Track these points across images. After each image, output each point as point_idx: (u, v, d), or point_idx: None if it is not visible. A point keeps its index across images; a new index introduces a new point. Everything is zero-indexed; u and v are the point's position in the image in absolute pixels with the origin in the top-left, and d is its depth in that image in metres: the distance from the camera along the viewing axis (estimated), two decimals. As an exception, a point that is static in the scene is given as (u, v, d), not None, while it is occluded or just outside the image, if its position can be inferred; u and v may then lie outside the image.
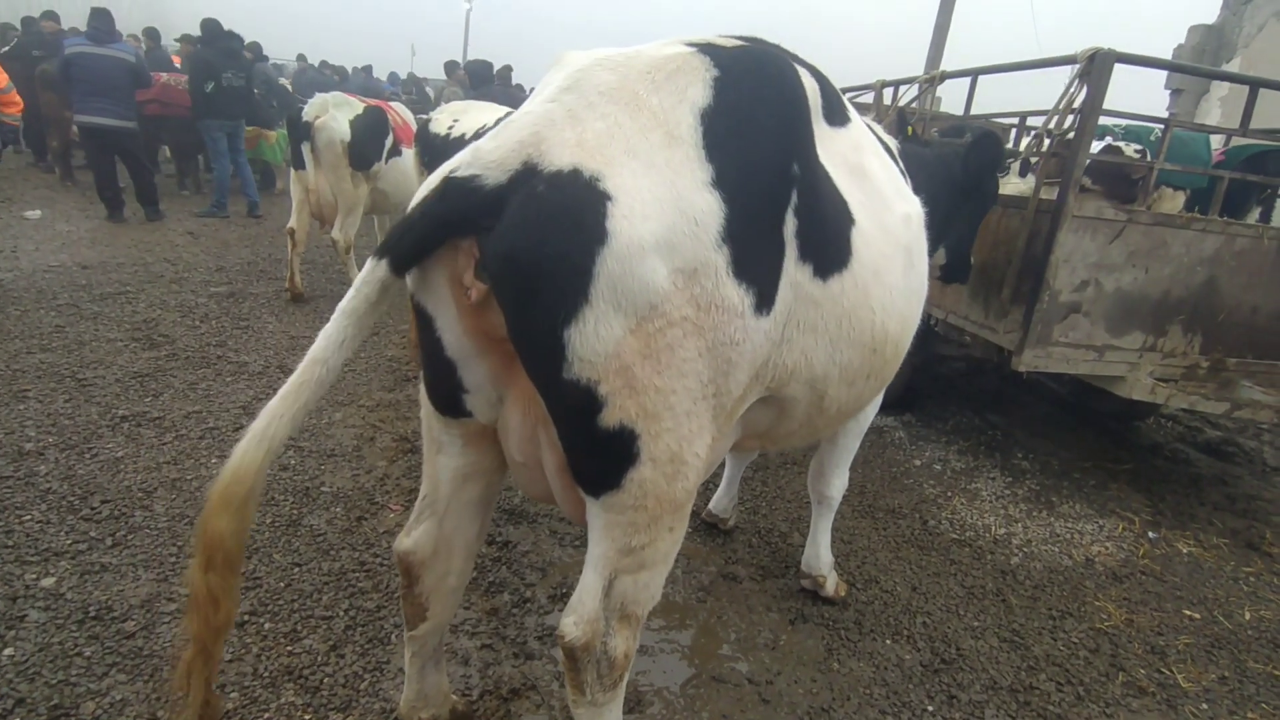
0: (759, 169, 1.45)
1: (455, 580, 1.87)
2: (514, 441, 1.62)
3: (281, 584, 2.69)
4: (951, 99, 6.11)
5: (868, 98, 5.29)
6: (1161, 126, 3.57)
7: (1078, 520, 3.98)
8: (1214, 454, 5.25)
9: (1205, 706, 2.68)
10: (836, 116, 1.86)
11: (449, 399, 1.61)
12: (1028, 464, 4.62)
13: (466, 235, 1.35)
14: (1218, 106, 10.04)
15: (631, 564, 1.53)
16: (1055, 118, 3.40)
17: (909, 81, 4.62)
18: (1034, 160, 3.74)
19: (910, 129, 3.27)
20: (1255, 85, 3.39)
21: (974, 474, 4.41)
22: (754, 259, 1.42)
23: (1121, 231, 3.37)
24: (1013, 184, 5.41)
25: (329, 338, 1.43)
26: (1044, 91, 3.87)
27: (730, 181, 1.39)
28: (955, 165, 3.17)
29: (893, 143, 2.65)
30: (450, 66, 10.50)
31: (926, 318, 4.54)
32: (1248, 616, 3.26)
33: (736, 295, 1.39)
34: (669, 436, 1.41)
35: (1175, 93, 10.70)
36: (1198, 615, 3.24)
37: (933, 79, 4.32)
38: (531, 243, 1.27)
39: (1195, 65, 3.18)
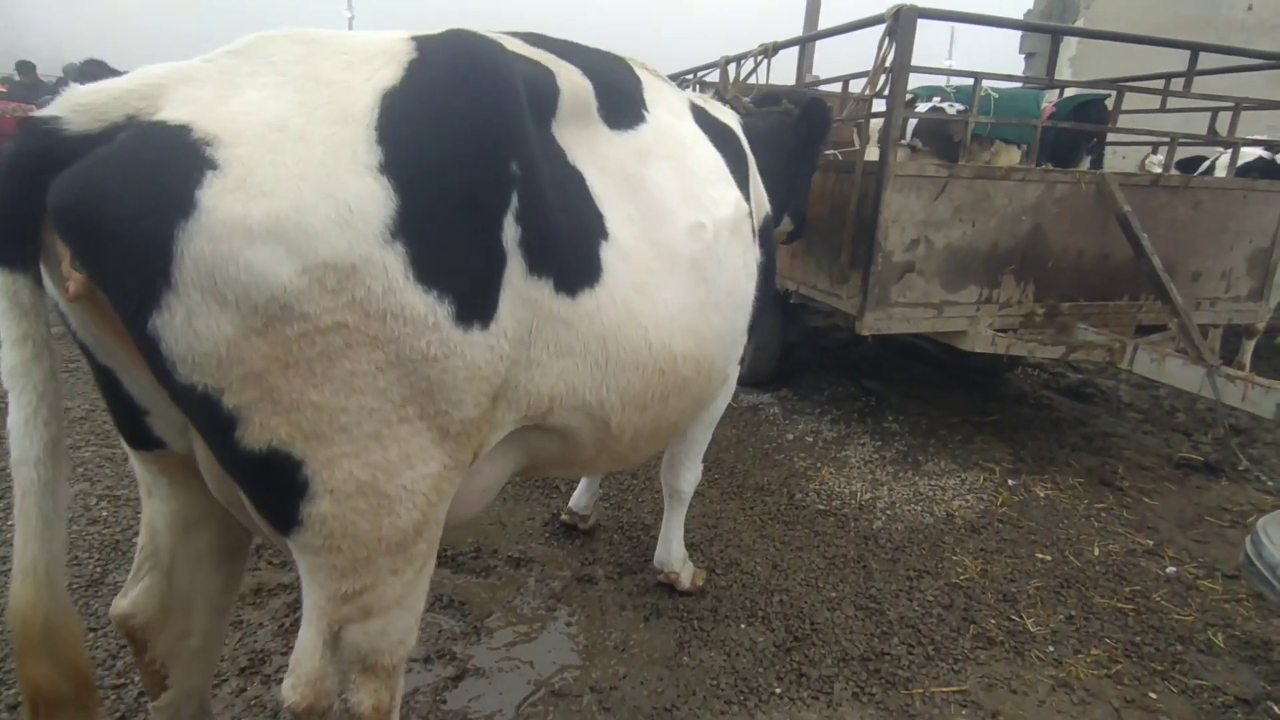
0: (454, 162, 1.28)
1: (200, 641, 1.65)
2: (206, 474, 1.41)
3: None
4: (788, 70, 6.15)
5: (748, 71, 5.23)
6: (990, 84, 3.63)
7: (941, 476, 4.03)
8: (1074, 396, 5.46)
9: (1051, 649, 2.71)
10: (622, 118, 1.75)
11: (132, 425, 1.41)
12: (897, 426, 4.67)
13: (36, 196, 1.08)
14: (1068, 66, 10.53)
15: (354, 612, 1.37)
16: (871, 78, 3.39)
17: (747, 56, 4.58)
18: (858, 123, 3.74)
19: (744, 105, 3.14)
20: (1055, 33, 3.46)
21: (844, 442, 4.42)
22: (450, 263, 1.26)
23: (944, 187, 3.39)
24: (872, 152, 5.49)
25: (15, 425, 1.17)
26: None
27: (407, 170, 1.21)
28: (787, 135, 3.12)
29: (734, 120, 2.55)
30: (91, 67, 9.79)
31: (783, 293, 4.51)
32: (1096, 552, 3.35)
33: (423, 303, 1.22)
34: (350, 464, 1.24)
35: (1029, 56, 11.19)
36: (1049, 557, 3.30)
37: (766, 50, 4.28)
38: (94, 198, 1.04)
39: (996, 16, 3.25)
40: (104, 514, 3.26)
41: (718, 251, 1.87)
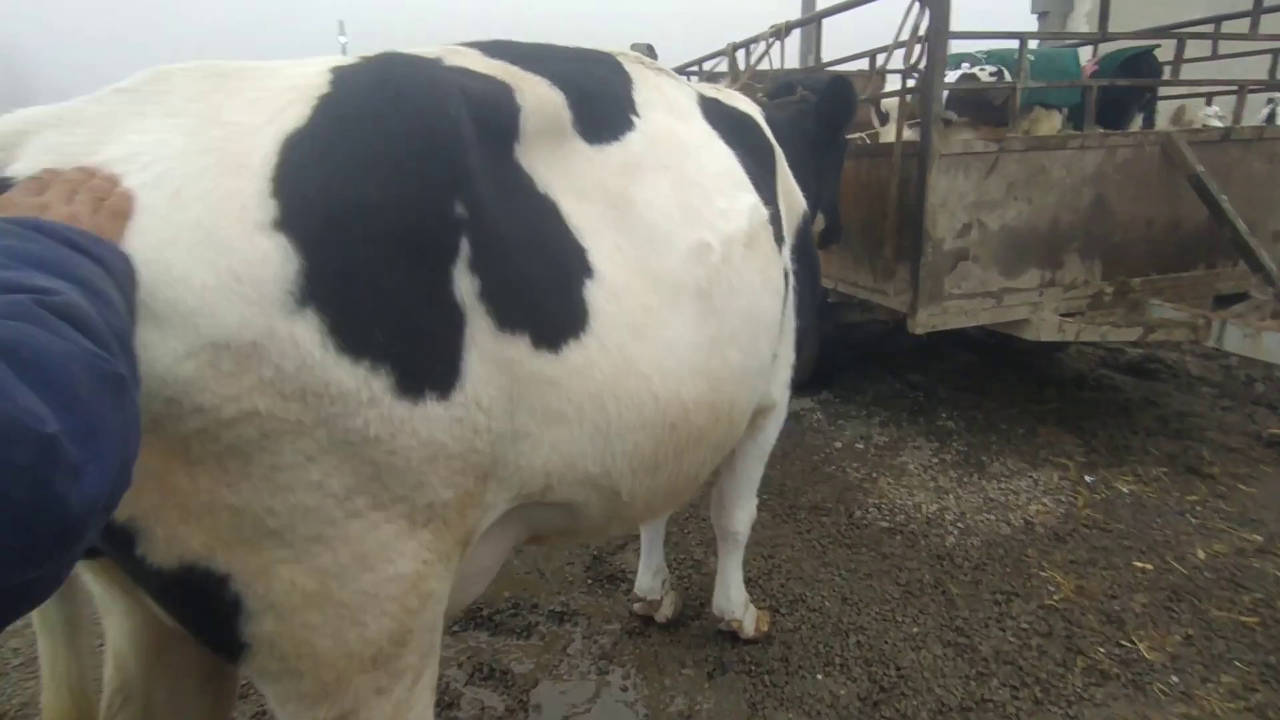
0: (375, 211, 1.05)
1: None
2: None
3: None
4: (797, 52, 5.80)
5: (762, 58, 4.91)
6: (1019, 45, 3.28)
7: (1010, 478, 3.69)
8: (1138, 374, 5.07)
9: (1175, 679, 2.37)
10: (605, 129, 1.51)
11: None
12: (953, 423, 4.33)
13: None
14: (1085, 23, 10.08)
15: None
16: (903, 50, 3.06)
17: (757, 40, 4.26)
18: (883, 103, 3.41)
19: (760, 96, 2.80)
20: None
21: (899, 447, 4.09)
22: (383, 328, 1.05)
23: (995, 164, 3.05)
24: (893, 131, 5.14)
25: None
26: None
27: (313, 224, 1.00)
28: (809, 122, 2.76)
29: (755, 112, 2.23)
30: None
31: (823, 291, 4.18)
32: (1201, 555, 2.99)
33: (351, 377, 1.02)
34: (290, 572, 1.03)
35: (1042, 15, 10.72)
36: (1150, 565, 2.95)
37: (778, 31, 3.96)
38: None
39: None
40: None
41: (728, 274, 1.62)
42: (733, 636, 2.63)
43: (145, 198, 0.94)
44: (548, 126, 1.39)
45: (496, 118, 1.29)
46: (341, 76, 1.15)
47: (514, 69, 1.40)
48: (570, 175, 1.41)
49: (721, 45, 4.46)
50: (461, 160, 1.16)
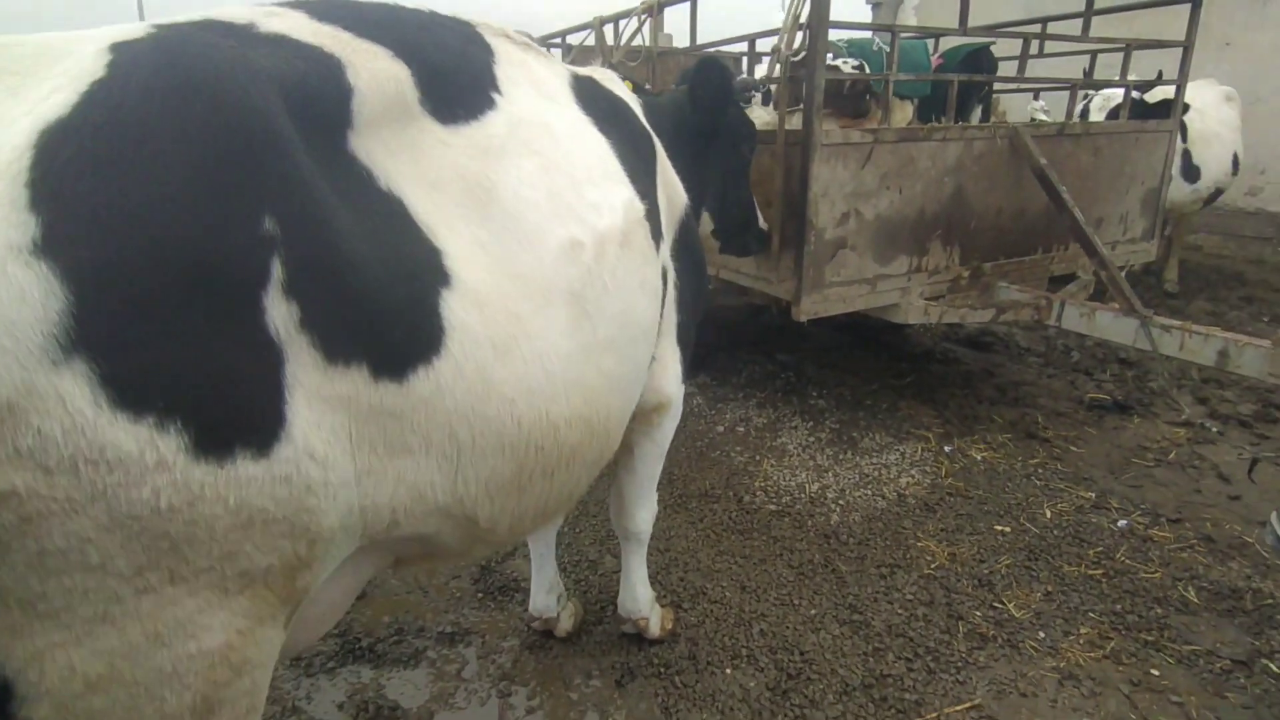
0: (161, 232, 0.86)
1: None
2: None
3: None
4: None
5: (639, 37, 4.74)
6: (883, 36, 3.39)
7: (881, 452, 3.88)
8: (976, 347, 5.53)
9: (1043, 635, 2.58)
10: (460, 107, 1.31)
11: None
12: (823, 402, 4.49)
13: None
14: (913, 15, 10.81)
15: None
16: (785, 37, 3.05)
17: (627, 15, 4.12)
18: (772, 88, 3.42)
19: (629, 83, 2.47)
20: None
21: (777, 427, 4.18)
22: (172, 376, 0.87)
23: (870, 154, 3.14)
24: (758, 115, 5.21)
25: None
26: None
27: (84, 249, 0.80)
28: (686, 109, 2.60)
29: (630, 98, 2.08)
30: None
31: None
32: (1049, 515, 3.29)
33: (132, 439, 0.84)
34: (70, 655, 0.88)
35: (875, 6, 11.39)
36: (1008, 528, 3.21)
37: (650, 8, 3.84)
38: None
39: None
40: None
41: (603, 274, 1.46)
42: (637, 639, 2.56)
43: None
44: (391, 107, 1.19)
45: (322, 103, 1.09)
46: (121, 56, 0.93)
47: (347, 37, 1.19)
48: (419, 162, 1.22)
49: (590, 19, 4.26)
50: (270, 163, 0.97)
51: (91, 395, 0.81)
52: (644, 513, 2.44)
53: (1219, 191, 6.11)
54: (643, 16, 3.85)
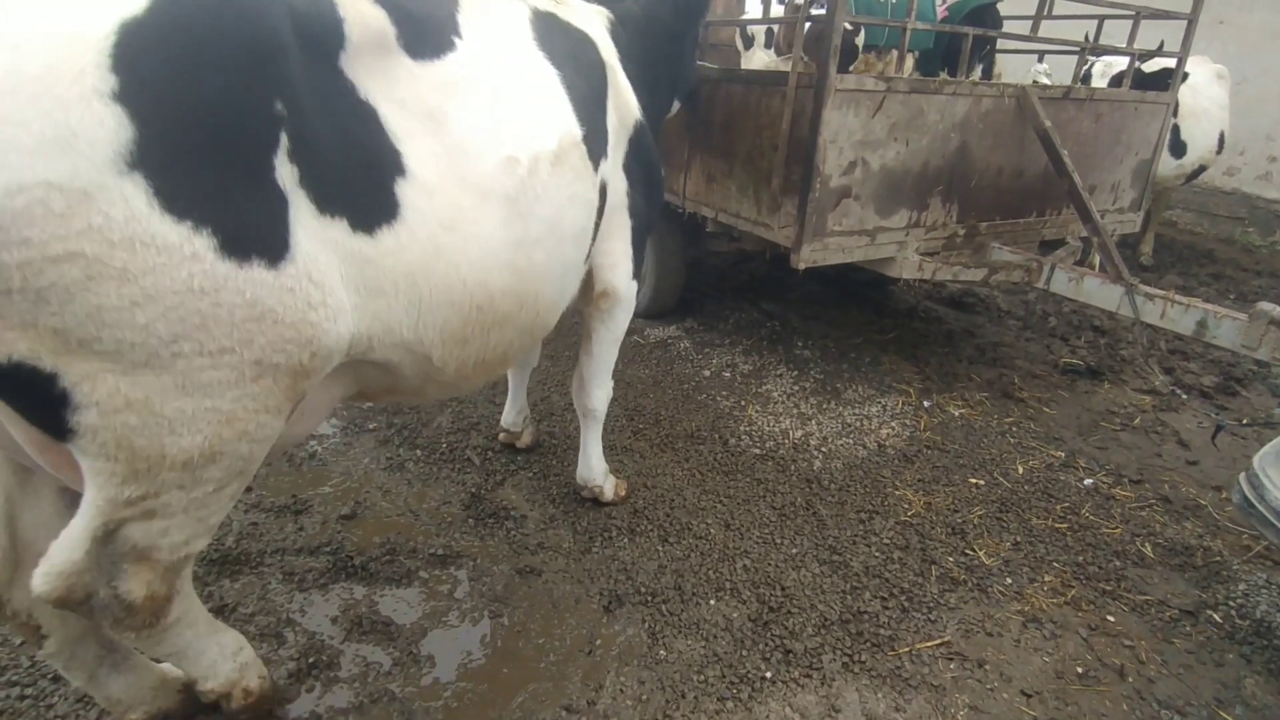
0: (202, 101, 1.23)
1: None
2: None
3: None
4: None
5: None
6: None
7: (863, 404, 3.97)
8: (959, 307, 5.63)
9: (1010, 581, 2.71)
10: (426, 47, 1.68)
11: None
12: (808, 352, 4.56)
13: None
14: None
15: (135, 514, 1.39)
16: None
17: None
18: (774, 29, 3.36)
19: None
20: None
21: (762, 375, 4.24)
22: (206, 198, 1.23)
23: (882, 103, 3.11)
24: (759, 58, 5.10)
25: None
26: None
27: (147, 103, 1.16)
28: (666, 12, 2.78)
29: (598, 24, 2.41)
30: None
31: (688, 217, 4.14)
32: (1020, 471, 3.42)
33: (176, 234, 1.20)
34: (116, 381, 1.23)
35: None
36: (982, 481, 3.33)
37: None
38: None
39: None
40: None
41: (535, 186, 1.84)
42: (625, 570, 2.63)
43: None
44: (372, 40, 1.54)
45: (321, 30, 1.45)
46: None
47: None
48: (392, 86, 1.58)
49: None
50: (280, 65, 1.32)
51: (145, 199, 1.16)
52: (600, 392, 2.80)
53: (1202, 168, 6.21)
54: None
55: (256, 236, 1.29)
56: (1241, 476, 2.02)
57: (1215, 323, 2.95)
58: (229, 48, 1.26)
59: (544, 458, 3.30)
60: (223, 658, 1.78)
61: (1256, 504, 1.91)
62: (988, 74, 4.80)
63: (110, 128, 1.12)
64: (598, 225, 2.24)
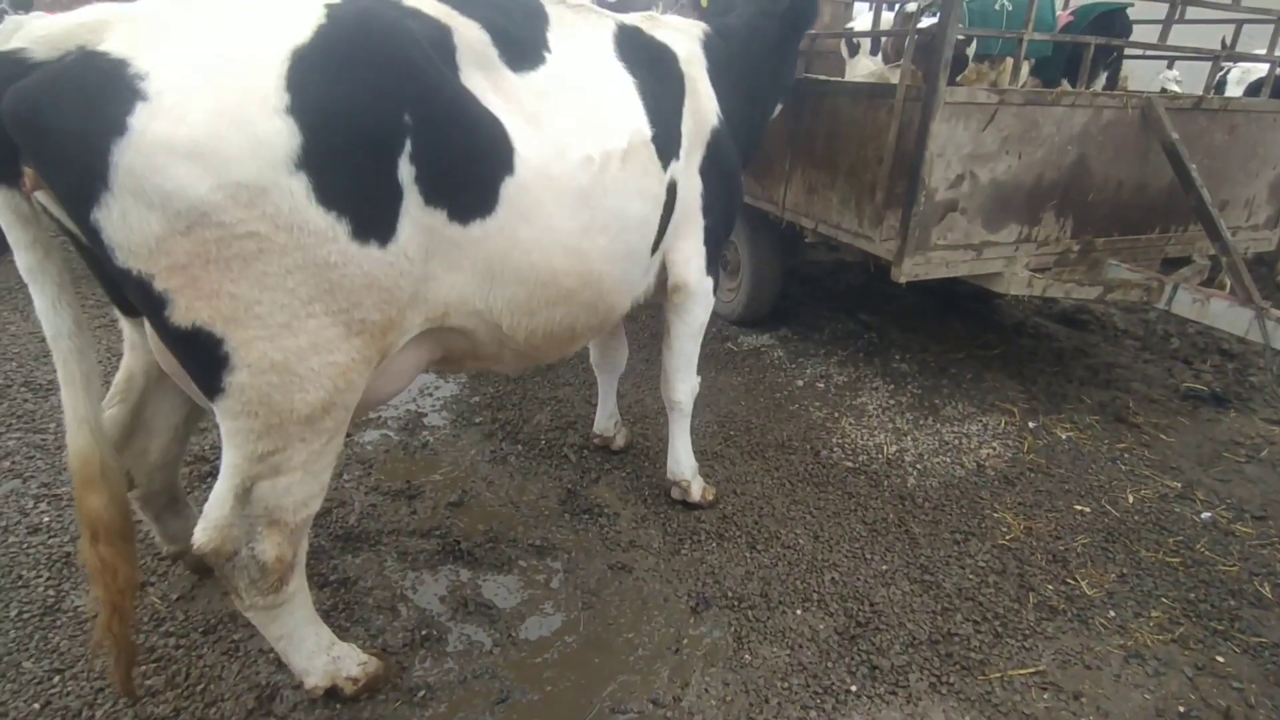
0: (349, 113, 1.51)
1: (158, 457, 2.18)
2: (153, 347, 1.80)
3: (36, 705, 2.02)
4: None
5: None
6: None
7: (962, 421, 3.88)
8: (1071, 324, 5.37)
9: (1113, 614, 2.61)
10: (524, 61, 1.94)
11: (117, 296, 1.76)
12: (906, 366, 4.48)
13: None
14: None
15: (265, 470, 1.66)
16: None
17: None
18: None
19: (705, 1, 3.04)
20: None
21: (857, 387, 4.21)
22: (347, 192, 1.52)
23: (994, 115, 3.04)
24: (864, 65, 5.05)
25: (44, 310, 1.54)
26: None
27: (311, 115, 1.44)
28: (770, 27, 2.95)
29: (682, 40, 2.56)
30: None
31: (788, 227, 4.15)
32: (1131, 500, 3.27)
33: (324, 221, 1.50)
34: (264, 345, 1.52)
35: None
36: (1088, 509, 3.20)
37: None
38: (37, 107, 1.29)
39: None
40: (45, 519, 2.78)
41: (604, 180, 2.05)
42: (713, 574, 2.70)
43: (198, 80, 1.36)
44: (479, 58, 1.83)
45: (442, 51, 1.73)
46: (335, 13, 1.56)
47: (453, 13, 1.82)
48: (501, 95, 1.85)
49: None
50: (410, 84, 1.61)
51: (306, 193, 1.46)
52: (684, 385, 2.92)
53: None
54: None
55: (375, 222, 1.58)
56: None
57: (1362, 353, 2.72)
58: (370, 72, 1.54)
59: (637, 459, 3.41)
60: (318, 650, 1.99)
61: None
62: (1113, 82, 4.56)
63: (285, 136, 1.42)
64: (666, 219, 2.40)
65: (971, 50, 4.16)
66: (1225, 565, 2.87)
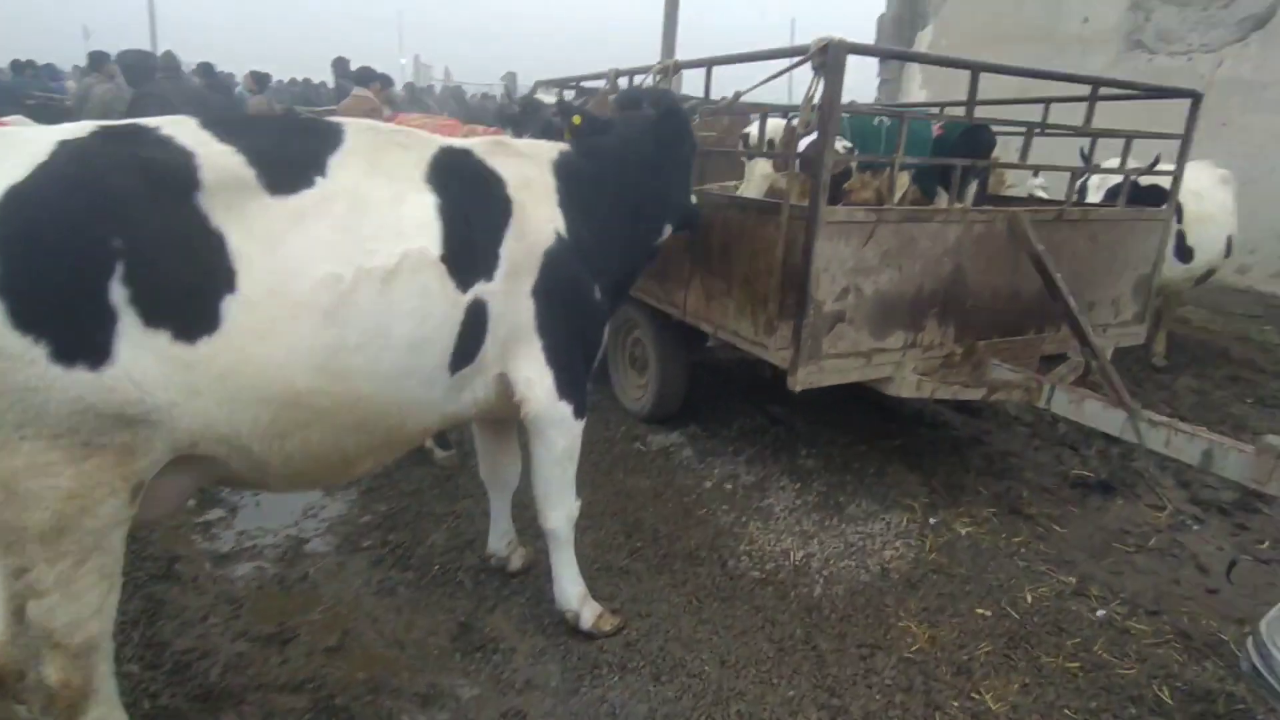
0: (53, 242, 1.59)
1: None
2: None
3: None
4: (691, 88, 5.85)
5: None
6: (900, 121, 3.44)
7: (867, 520, 3.89)
8: (966, 411, 5.55)
9: (1017, 731, 2.58)
10: (286, 184, 1.95)
11: None
12: (812, 462, 4.51)
13: None
14: (918, 90, 10.98)
15: (24, 589, 1.70)
16: (800, 115, 3.11)
17: (643, 71, 4.18)
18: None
19: (577, 119, 2.99)
20: (975, 69, 3.33)
21: (765, 487, 4.19)
22: (50, 317, 1.58)
23: (873, 232, 3.18)
24: (760, 169, 5.27)
25: None
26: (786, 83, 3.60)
27: (10, 245, 1.54)
28: (649, 145, 2.98)
29: (538, 157, 2.63)
30: (97, 58, 8.33)
31: (692, 328, 4.18)
32: (1029, 599, 3.30)
33: (20, 345, 1.54)
34: None
35: (882, 82, 11.56)
36: (989, 612, 3.21)
37: (666, 69, 3.91)
38: None
39: (917, 52, 3.25)
40: None
41: (357, 299, 2.01)
42: (614, 714, 2.55)
43: None
44: (226, 181, 1.84)
45: (175, 176, 1.78)
46: (58, 151, 1.65)
47: (210, 140, 1.87)
48: (245, 217, 1.86)
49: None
50: (123, 209, 1.67)
51: (4, 318, 1.52)
52: (556, 512, 2.77)
53: (1211, 272, 6.20)
54: (657, 77, 3.90)
55: (82, 345, 1.61)
56: (1249, 642, 1.93)
57: (1221, 454, 2.89)
58: (76, 201, 1.62)
59: (539, 580, 3.24)
60: None
61: (1265, 674, 1.82)
62: (984, 189, 4.90)
63: None
64: (470, 339, 2.33)
65: (854, 163, 4.40)
66: (1123, 669, 2.90)
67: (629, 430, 4.82)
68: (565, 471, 2.74)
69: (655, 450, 4.59)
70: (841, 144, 4.41)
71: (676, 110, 3.06)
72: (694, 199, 3.44)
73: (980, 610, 3.22)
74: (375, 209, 2.09)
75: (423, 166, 2.25)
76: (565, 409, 2.61)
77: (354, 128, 2.20)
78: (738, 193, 4.98)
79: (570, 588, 2.87)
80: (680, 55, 4.32)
